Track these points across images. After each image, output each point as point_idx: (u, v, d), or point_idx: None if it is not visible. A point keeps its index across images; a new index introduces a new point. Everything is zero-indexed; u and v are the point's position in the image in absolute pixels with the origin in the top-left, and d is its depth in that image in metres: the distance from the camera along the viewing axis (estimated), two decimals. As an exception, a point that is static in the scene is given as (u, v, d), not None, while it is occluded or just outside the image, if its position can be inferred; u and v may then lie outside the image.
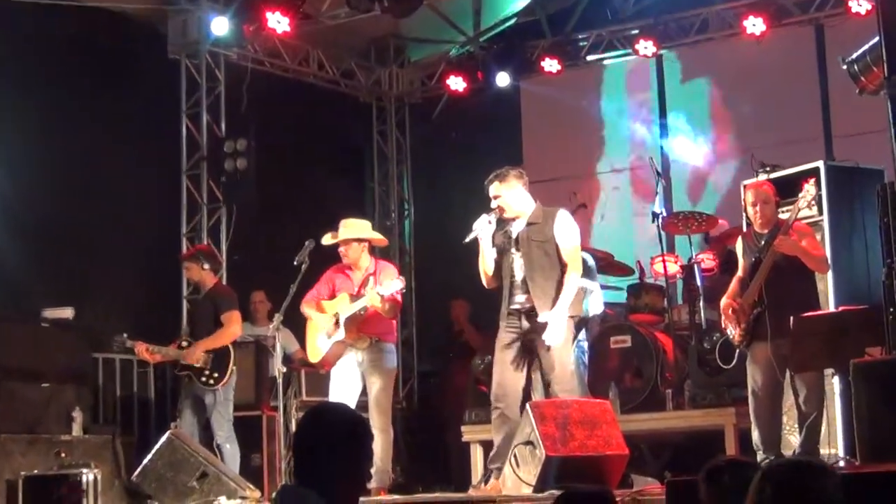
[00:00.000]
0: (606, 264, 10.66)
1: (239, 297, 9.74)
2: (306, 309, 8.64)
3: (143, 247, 11.10)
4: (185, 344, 9.36)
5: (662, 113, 12.92)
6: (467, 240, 7.45)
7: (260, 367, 10.27)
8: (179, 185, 11.84)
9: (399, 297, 8.44)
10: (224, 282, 10.83)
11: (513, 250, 7.51)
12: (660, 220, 9.62)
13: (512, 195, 7.55)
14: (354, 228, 8.62)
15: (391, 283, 8.26)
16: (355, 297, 8.44)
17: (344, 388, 8.49)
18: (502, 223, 7.61)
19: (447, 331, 12.60)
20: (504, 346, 7.55)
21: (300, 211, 11.93)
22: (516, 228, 7.56)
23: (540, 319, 7.32)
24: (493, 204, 7.52)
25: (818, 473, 3.61)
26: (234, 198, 11.65)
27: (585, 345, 9.24)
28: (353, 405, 8.03)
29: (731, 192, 11.12)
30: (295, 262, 8.28)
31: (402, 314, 12.57)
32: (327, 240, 8.59)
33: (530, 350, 7.51)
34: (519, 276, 7.49)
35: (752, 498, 3.60)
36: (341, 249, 8.56)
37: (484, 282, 7.67)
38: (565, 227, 7.55)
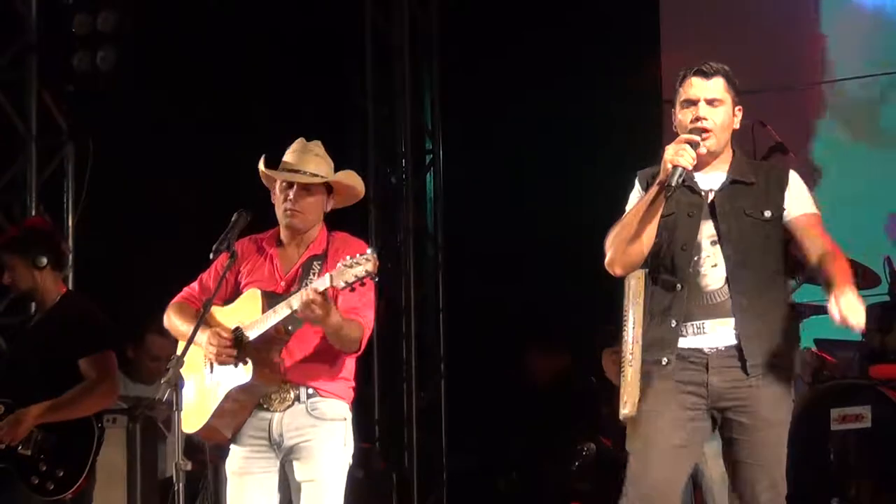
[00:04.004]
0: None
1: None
2: (172, 318, 5.07)
3: None
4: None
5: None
6: (673, 184, 4.45)
7: (140, 458, 6.52)
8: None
9: (370, 302, 4.85)
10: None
11: (708, 224, 4.62)
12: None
13: (729, 121, 4.65)
14: (326, 161, 5.07)
15: (354, 267, 4.55)
16: (281, 294, 4.82)
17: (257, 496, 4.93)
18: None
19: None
20: (662, 417, 4.51)
21: (218, 156, 7.90)
22: (706, 184, 4.70)
23: (749, 368, 4.49)
24: (703, 120, 4.62)
25: None
26: (91, 127, 7.62)
27: None
28: None
29: None
30: (212, 254, 4.91)
31: (419, 358, 8.72)
32: (271, 168, 5.03)
33: (712, 429, 4.60)
34: (714, 277, 4.59)
35: None
36: (294, 203, 5.00)
37: (616, 259, 4.59)
38: (807, 198, 4.69)
